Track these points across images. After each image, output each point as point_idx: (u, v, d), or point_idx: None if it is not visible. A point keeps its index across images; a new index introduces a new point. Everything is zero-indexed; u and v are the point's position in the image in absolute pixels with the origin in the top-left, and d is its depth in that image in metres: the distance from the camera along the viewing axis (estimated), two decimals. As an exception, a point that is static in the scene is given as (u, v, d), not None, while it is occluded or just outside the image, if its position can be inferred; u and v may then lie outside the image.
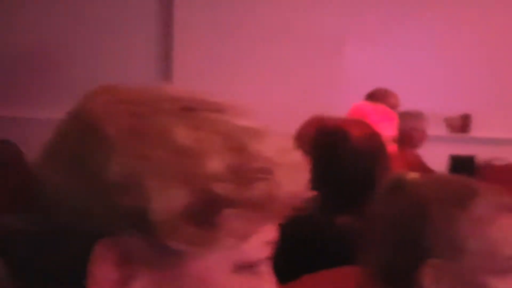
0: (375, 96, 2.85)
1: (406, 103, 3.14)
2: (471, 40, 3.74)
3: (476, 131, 3.77)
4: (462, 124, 3.75)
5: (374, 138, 1.37)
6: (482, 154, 3.74)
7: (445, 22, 3.75)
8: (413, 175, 0.84)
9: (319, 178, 1.48)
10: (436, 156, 3.50)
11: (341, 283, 0.86)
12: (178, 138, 0.41)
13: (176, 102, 0.45)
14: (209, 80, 3.40)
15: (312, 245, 1.25)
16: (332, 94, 3.45)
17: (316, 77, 3.68)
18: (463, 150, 3.76)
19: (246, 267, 0.43)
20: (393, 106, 2.85)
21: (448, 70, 3.75)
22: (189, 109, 0.44)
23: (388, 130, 1.64)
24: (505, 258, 0.76)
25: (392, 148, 1.67)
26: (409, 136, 3.07)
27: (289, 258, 1.32)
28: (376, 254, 0.82)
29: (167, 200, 0.39)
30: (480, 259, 0.76)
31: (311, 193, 0.45)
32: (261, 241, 0.43)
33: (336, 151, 1.31)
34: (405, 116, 3.11)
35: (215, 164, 0.40)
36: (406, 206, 0.81)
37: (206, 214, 0.40)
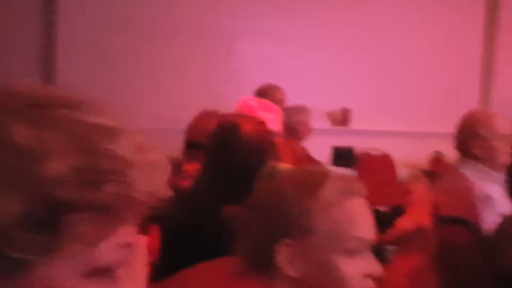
0: (263, 91, 2.90)
1: (292, 98, 3.25)
2: (352, 40, 3.97)
3: (355, 124, 4.01)
4: (342, 118, 3.97)
5: (264, 133, 1.40)
6: (360, 145, 4.02)
7: (329, 23, 3.93)
8: (282, 166, 0.88)
9: (213, 170, 1.48)
10: (320, 147, 3.68)
11: (218, 274, 0.86)
12: (16, 138, 0.37)
13: (21, 98, 0.40)
14: (97, 78, 3.23)
15: (200, 235, 1.24)
16: (224, 89, 3.46)
17: (208, 73, 3.66)
18: (343, 141, 4.00)
19: (99, 272, 0.40)
20: (280, 101, 2.92)
21: (330, 68, 3.95)
22: (36, 106, 0.40)
23: (272, 124, 1.67)
24: (351, 238, 0.81)
25: (277, 141, 1.71)
26: (295, 129, 3.18)
27: (177, 248, 1.31)
28: (248, 241, 0.83)
29: (1, 207, 0.35)
30: (327, 240, 0.80)
31: (169, 192, 0.43)
32: (116, 244, 0.41)
33: (229, 146, 1.33)
34: (291, 111, 3.22)
35: (57, 166, 0.37)
36: (270, 193, 0.84)
37: (47, 220, 0.37)
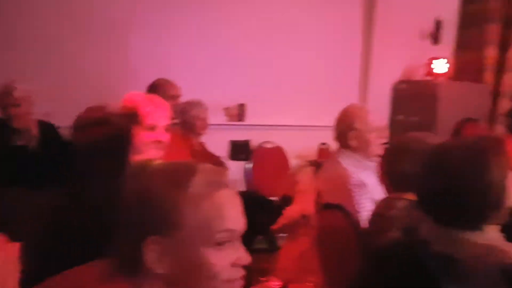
0: (155, 86, 2.78)
1: (190, 94, 3.17)
2: (245, 37, 3.97)
3: (250, 119, 4.04)
4: (238, 113, 3.97)
5: (117, 130, 1.32)
6: (256, 138, 4.07)
7: (224, 20, 3.89)
8: (152, 162, 0.82)
9: (76, 170, 1.36)
10: (218, 142, 3.65)
11: (85, 279, 0.77)
12: None
13: None
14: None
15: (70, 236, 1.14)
16: (116, 84, 3.26)
17: (99, 68, 3.42)
18: (240, 135, 4.03)
19: None
20: (174, 97, 2.83)
21: (226, 64, 3.92)
22: None
23: (160, 120, 1.59)
24: (220, 231, 0.77)
25: (167, 136, 1.63)
26: (192, 124, 3.11)
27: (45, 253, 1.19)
28: (116, 242, 0.77)
29: None
30: (196, 234, 0.76)
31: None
32: None
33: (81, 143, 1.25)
34: (188, 106, 3.14)
35: None
36: (137, 190, 0.78)
37: None
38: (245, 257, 0.79)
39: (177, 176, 0.78)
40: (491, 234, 1.06)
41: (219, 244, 0.77)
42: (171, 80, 2.89)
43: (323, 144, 3.94)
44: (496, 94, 4.09)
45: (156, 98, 1.63)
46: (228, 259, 0.77)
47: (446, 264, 0.98)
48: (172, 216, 0.75)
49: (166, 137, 1.60)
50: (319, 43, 4.22)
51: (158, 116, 1.58)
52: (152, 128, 1.54)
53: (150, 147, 1.51)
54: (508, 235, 1.13)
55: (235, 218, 0.79)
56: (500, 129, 3.70)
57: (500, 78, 4.09)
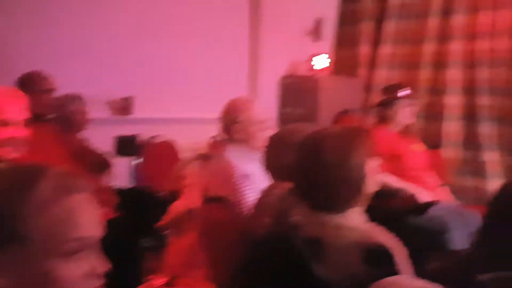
0: (25, 80, 2.53)
1: (67, 87, 2.94)
2: (134, 28, 3.80)
3: (138, 112, 3.90)
4: (124, 107, 3.80)
5: None
6: (145, 133, 3.92)
7: (105, 10, 3.68)
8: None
9: None
10: (102, 137, 3.45)
11: None
12: None
13: None
14: None
15: None
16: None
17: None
18: (126, 130, 3.85)
19: None
20: (48, 90, 2.61)
21: (110, 56, 3.72)
22: None
23: (15, 114, 1.44)
24: (70, 240, 0.71)
25: (24, 133, 1.48)
26: (70, 120, 2.89)
27: None
28: None
29: None
30: (42, 245, 0.69)
31: None
32: None
33: None
34: (65, 100, 2.91)
35: None
36: None
37: None
38: (101, 266, 0.73)
39: (19, 181, 0.70)
40: (354, 216, 1.14)
41: (70, 254, 0.70)
42: (43, 72, 2.64)
43: (214, 137, 3.95)
44: (368, 88, 4.47)
45: (10, 90, 1.48)
46: (81, 270, 0.71)
47: (313, 247, 1.04)
48: (12, 226, 0.67)
49: (23, 134, 1.45)
50: (208, 37, 4.20)
51: (11, 110, 1.43)
52: (4, 123, 1.39)
53: (2, 145, 1.36)
54: (372, 216, 1.24)
55: (88, 225, 0.73)
56: (371, 119, 4.05)
57: (372, 73, 4.47)
